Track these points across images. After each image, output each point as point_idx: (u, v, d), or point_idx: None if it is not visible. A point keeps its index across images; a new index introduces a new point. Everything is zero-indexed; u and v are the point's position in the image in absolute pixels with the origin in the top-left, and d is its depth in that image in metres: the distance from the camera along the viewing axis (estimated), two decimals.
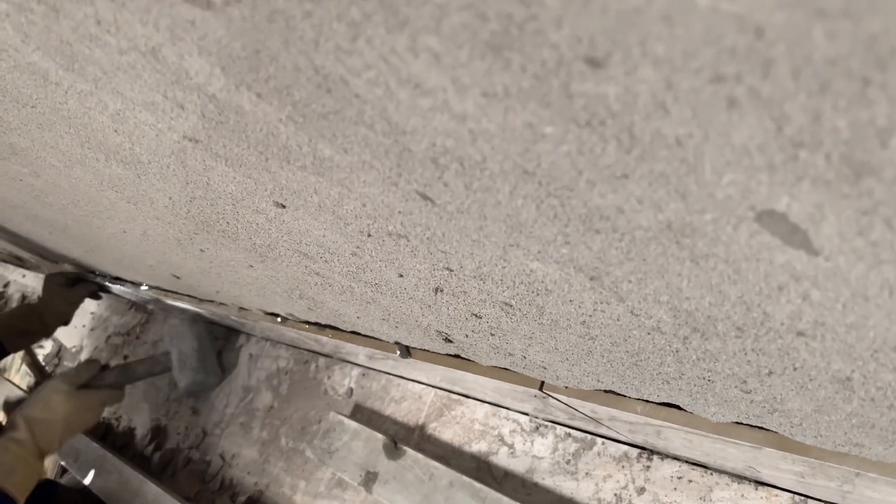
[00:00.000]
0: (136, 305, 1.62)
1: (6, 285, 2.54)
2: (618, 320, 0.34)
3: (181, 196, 0.46)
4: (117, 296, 1.69)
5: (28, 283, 2.40)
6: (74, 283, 1.46)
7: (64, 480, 1.33)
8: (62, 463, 1.28)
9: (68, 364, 1.75)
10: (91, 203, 0.62)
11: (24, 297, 2.33)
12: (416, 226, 0.33)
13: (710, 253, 0.23)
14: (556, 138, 0.20)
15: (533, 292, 0.35)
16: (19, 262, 2.48)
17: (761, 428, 0.44)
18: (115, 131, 0.37)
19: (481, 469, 0.77)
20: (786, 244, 0.21)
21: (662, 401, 0.46)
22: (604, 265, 0.28)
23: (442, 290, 0.42)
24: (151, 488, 1.05)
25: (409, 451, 0.80)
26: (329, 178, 0.31)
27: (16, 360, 2.00)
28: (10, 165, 0.60)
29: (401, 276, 0.43)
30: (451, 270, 0.37)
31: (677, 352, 0.34)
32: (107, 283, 1.41)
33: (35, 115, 0.41)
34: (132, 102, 0.32)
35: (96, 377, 1.13)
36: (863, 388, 0.29)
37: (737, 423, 0.45)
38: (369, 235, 0.37)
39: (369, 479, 0.80)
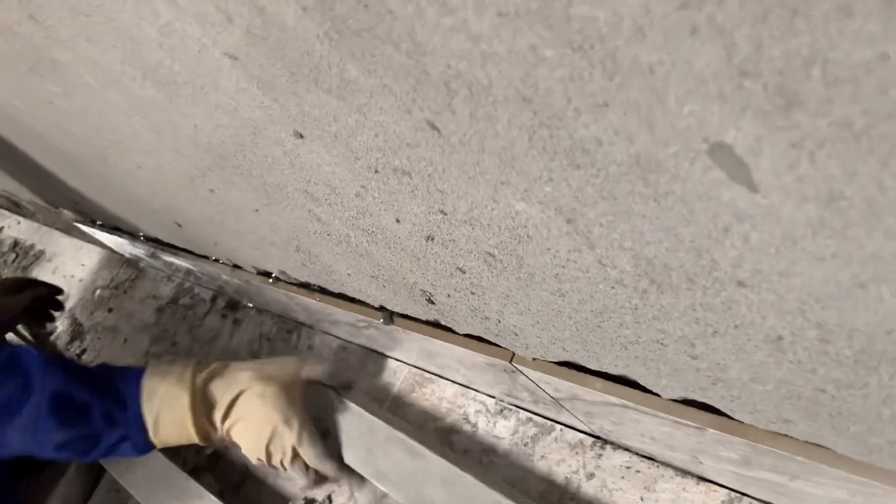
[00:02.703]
0: (128, 261, 1.65)
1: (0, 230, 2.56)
2: (587, 272, 0.37)
3: (206, 123, 0.49)
4: (110, 250, 1.72)
5: (22, 230, 2.42)
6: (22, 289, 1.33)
7: None
8: None
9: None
10: (114, 132, 0.65)
11: (15, 243, 2.35)
12: (420, 160, 0.37)
13: (670, 191, 0.27)
14: (553, 62, 0.24)
15: (515, 239, 0.39)
16: (16, 209, 2.50)
17: (706, 409, 0.47)
18: (160, 45, 0.41)
19: (444, 443, 0.80)
20: (731, 179, 0.25)
21: (620, 372, 0.50)
22: (580, 206, 0.32)
23: (433, 238, 0.46)
24: None
25: (353, 406, 0.82)
26: (350, 104, 0.35)
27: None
28: (45, 84, 0.63)
29: (398, 220, 0.46)
30: (445, 214, 0.41)
31: (636, 309, 0.38)
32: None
33: (88, 25, 0.45)
34: (184, 13, 0.36)
35: None
36: (791, 348, 0.33)
37: (684, 401, 0.48)
38: (376, 171, 0.41)
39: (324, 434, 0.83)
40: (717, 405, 0.45)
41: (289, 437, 0.77)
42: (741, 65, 0.20)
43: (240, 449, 0.80)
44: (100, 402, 0.78)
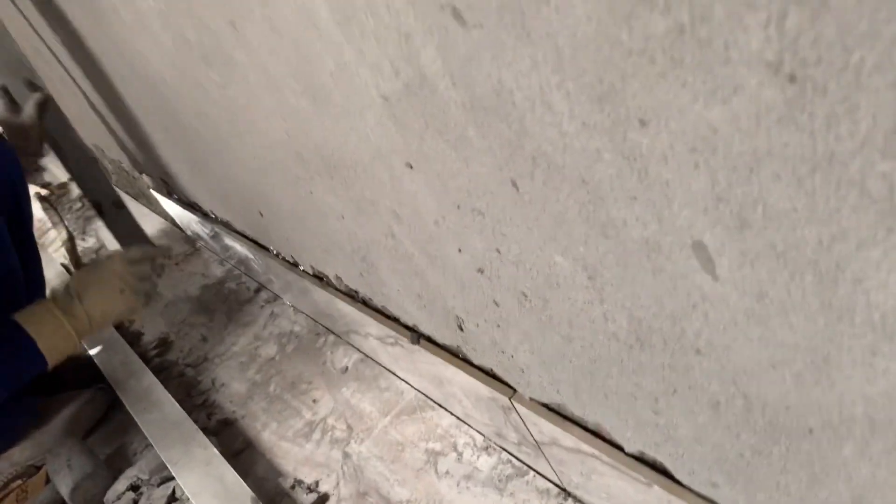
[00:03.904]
0: (187, 237, 1.80)
1: (71, 180, 2.74)
2: (593, 322, 0.50)
3: (337, 138, 0.63)
4: (172, 222, 1.87)
5: None
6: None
7: None
8: None
9: None
10: (249, 124, 0.80)
11: (83, 195, 2.53)
12: (495, 206, 0.50)
13: (663, 268, 0.39)
14: (607, 162, 0.37)
15: (547, 284, 0.51)
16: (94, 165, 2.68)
17: (655, 469, 0.58)
18: (330, 74, 0.55)
19: (429, 462, 0.91)
20: (703, 269, 0.37)
21: (597, 420, 0.61)
22: (601, 267, 0.44)
23: (483, 271, 0.58)
24: (148, 375, 1.19)
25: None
26: (459, 154, 0.49)
27: (56, 240, 2.18)
28: (209, 72, 0.79)
29: (459, 251, 0.59)
30: (499, 252, 0.54)
31: (621, 362, 0.50)
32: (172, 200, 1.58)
33: (276, 41, 0.59)
34: (363, 59, 0.50)
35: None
36: (725, 413, 0.44)
37: (640, 458, 0.59)
38: (458, 207, 0.54)
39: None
40: (665, 462, 0.56)
41: (130, 270, 1.14)
42: (719, 193, 0.33)
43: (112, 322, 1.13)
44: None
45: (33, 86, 1.39)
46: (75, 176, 1.54)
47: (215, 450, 1.00)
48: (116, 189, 2.38)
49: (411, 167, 0.56)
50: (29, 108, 1.37)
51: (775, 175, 0.29)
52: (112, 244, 1.94)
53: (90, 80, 1.36)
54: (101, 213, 1.64)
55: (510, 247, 0.52)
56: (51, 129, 1.39)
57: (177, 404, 1.12)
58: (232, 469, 0.95)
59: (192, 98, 0.92)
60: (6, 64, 1.35)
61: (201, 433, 1.04)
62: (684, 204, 0.35)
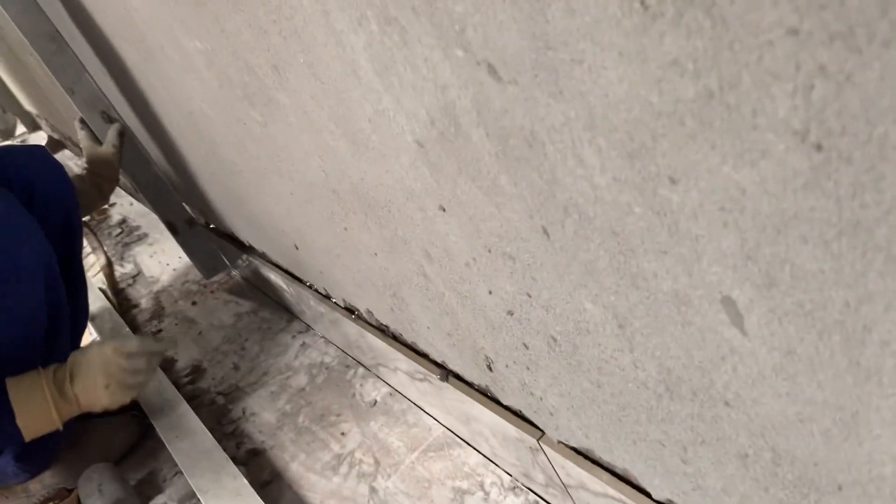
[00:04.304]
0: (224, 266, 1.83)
1: (111, 205, 2.82)
2: (623, 370, 0.50)
3: (372, 179, 0.65)
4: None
5: (132, 210, 2.66)
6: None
7: None
8: None
9: (140, 289, 1.96)
10: (288, 162, 0.82)
11: (123, 220, 2.59)
12: (526, 252, 0.50)
13: (692, 321, 0.40)
14: (638, 216, 0.38)
15: (577, 330, 0.52)
16: (133, 192, 2.75)
17: None
18: (369, 120, 0.57)
19: (455, 500, 0.91)
20: (732, 323, 0.37)
21: (625, 465, 0.61)
22: (631, 316, 0.45)
23: (513, 314, 0.59)
24: (182, 404, 1.21)
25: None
26: (491, 200, 0.50)
27: (95, 265, 2.23)
28: (250, 111, 0.81)
29: (490, 292, 0.60)
30: (530, 296, 0.54)
31: (650, 409, 0.50)
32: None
33: (318, 87, 0.61)
34: (401, 108, 0.51)
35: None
36: (753, 465, 0.44)
37: None
38: (489, 251, 0.55)
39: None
40: None
41: (121, 364, 1.05)
42: (748, 252, 0.33)
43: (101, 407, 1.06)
44: None
45: (108, 117, 1.48)
46: (150, 199, 1.61)
47: (244, 480, 1.01)
48: (154, 214, 2.43)
49: (444, 210, 0.57)
50: (110, 138, 1.43)
51: (802, 237, 0.30)
52: (181, 262, 1.98)
53: (135, 112, 1.41)
54: (176, 233, 1.70)
55: (540, 291, 0.53)
56: (126, 156, 1.48)
57: (208, 433, 1.14)
58: (261, 501, 0.96)
59: (233, 134, 0.94)
60: (84, 100, 1.44)
61: (231, 463, 1.05)
62: (714, 260, 0.35)
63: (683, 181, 0.33)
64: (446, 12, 0.40)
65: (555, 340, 0.56)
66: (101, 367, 1.04)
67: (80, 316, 1.28)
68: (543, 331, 0.56)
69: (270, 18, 0.60)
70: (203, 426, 1.16)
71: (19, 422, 0.98)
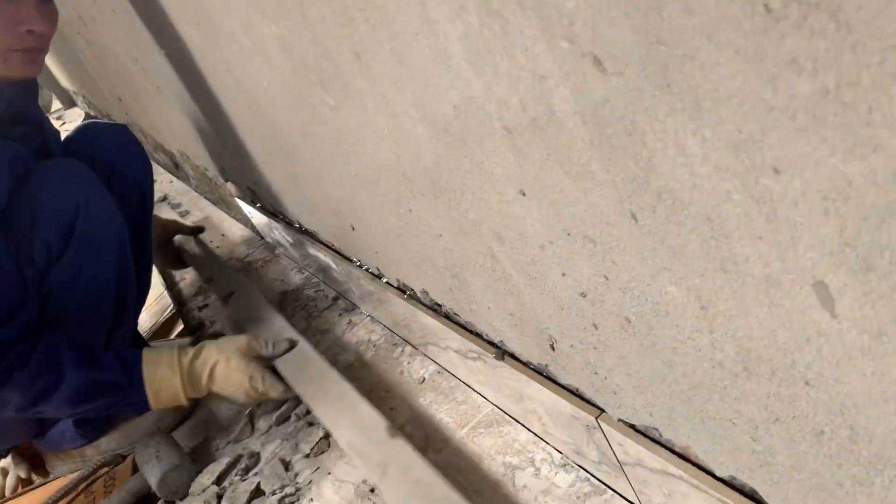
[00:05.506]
0: (267, 244, 1.87)
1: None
2: (699, 350, 0.52)
3: (449, 163, 0.68)
4: (252, 230, 1.95)
5: (173, 188, 2.71)
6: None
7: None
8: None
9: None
10: (358, 144, 0.85)
11: (164, 197, 2.64)
12: (610, 236, 0.53)
13: (780, 304, 0.42)
14: (736, 203, 0.40)
15: (654, 312, 0.54)
16: (175, 170, 2.79)
17: (744, 494, 0.60)
18: (454, 106, 0.60)
19: (506, 475, 0.94)
20: (822, 306, 0.40)
21: (687, 443, 0.63)
22: (715, 298, 0.47)
23: (585, 296, 0.62)
24: (277, 317, 1.29)
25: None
26: (578, 186, 0.52)
27: None
28: (323, 95, 0.84)
29: (563, 274, 0.63)
30: (607, 279, 0.57)
31: (724, 388, 0.53)
32: (260, 211, 1.65)
33: (402, 73, 0.64)
34: (492, 95, 0.54)
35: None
36: (828, 442, 0.47)
37: (730, 483, 0.62)
38: (568, 234, 0.58)
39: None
40: (757, 488, 0.58)
41: (255, 380, 1.14)
42: (847, 239, 0.35)
43: (226, 397, 1.18)
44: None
45: None
46: (208, 275, 1.70)
47: (349, 385, 1.06)
48: (196, 192, 2.48)
49: (524, 194, 0.59)
50: (194, 246, 1.79)
51: None
52: (224, 240, 2.02)
53: (191, 94, 1.44)
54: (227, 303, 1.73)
55: (619, 274, 0.55)
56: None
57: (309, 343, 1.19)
58: (366, 401, 1.02)
59: (299, 118, 0.97)
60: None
61: (334, 370, 1.10)
62: (810, 246, 0.38)
63: (788, 171, 0.36)
64: (556, 7, 0.42)
65: (629, 321, 0.58)
66: (239, 384, 1.14)
67: (143, 291, 1.34)
68: (617, 312, 0.59)
69: (359, 6, 0.62)
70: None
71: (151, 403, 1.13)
